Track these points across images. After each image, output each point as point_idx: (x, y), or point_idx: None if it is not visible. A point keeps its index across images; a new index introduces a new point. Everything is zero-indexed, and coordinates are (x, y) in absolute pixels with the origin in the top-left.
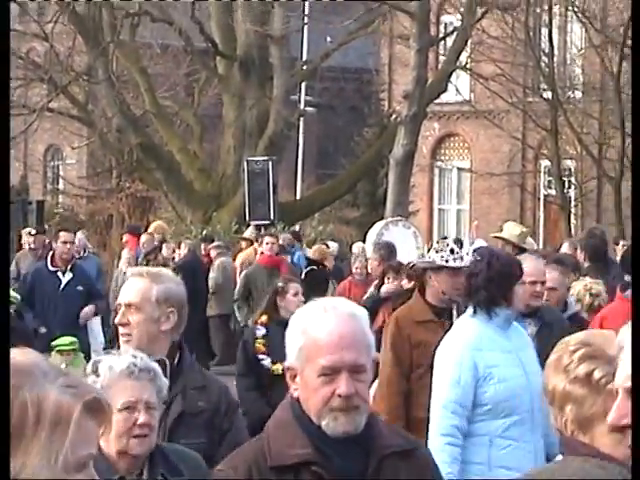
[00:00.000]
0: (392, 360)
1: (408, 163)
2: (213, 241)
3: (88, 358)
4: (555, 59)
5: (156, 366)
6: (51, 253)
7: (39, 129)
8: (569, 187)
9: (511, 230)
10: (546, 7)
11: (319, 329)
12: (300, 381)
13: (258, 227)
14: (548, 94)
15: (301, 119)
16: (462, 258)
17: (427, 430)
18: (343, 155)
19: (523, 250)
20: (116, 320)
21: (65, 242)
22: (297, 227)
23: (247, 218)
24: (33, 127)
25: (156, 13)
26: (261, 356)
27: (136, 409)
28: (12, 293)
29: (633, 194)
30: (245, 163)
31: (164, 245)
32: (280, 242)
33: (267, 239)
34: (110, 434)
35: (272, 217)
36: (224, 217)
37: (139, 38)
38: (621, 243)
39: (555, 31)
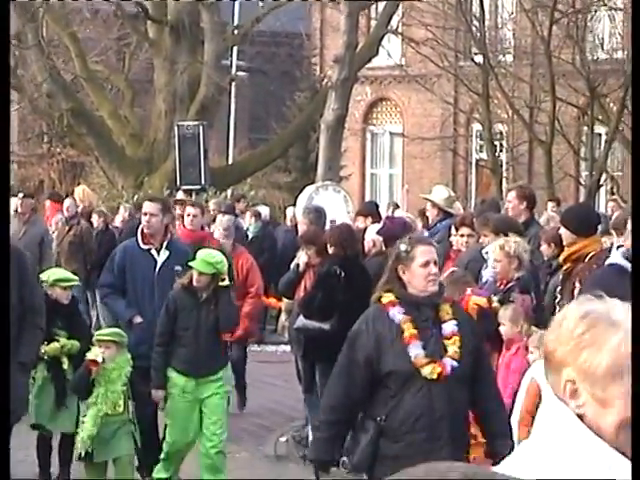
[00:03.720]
0: None
1: (339, 128)
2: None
3: None
4: (486, 23)
5: None
6: (141, 227)
7: None
8: (501, 151)
9: (439, 194)
10: None
11: None
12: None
13: (189, 192)
14: (479, 58)
15: (233, 84)
16: None
17: None
18: (275, 120)
19: (449, 214)
20: None
21: (145, 214)
22: (229, 192)
23: (178, 183)
24: None
25: None
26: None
27: None
28: (71, 276)
29: (633, 187)
30: (176, 128)
31: (93, 212)
32: (212, 209)
33: (189, 210)
34: None
35: (203, 182)
36: (155, 182)
37: (69, 3)
38: (550, 205)
39: None
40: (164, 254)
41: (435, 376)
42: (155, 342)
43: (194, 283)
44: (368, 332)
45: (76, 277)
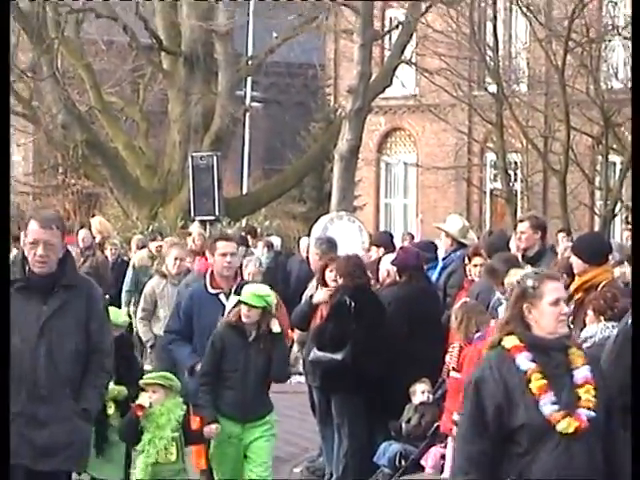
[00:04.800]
0: None
1: (352, 158)
2: (161, 236)
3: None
4: (500, 53)
5: None
6: (210, 270)
7: None
8: (515, 180)
9: (453, 224)
10: (490, 1)
11: None
12: None
13: (203, 222)
14: (493, 88)
15: (247, 114)
16: None
17: None
18: (289, 150)
19: (462, 245)
20: None
21: (224, 254)
22: (243, 222)
23: (192, 214)
24: None
25: (100, 9)
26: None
27: None
28: (123, 315)
29: (633, 190)
30: (190, 159)
31: (106, 242)
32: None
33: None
34: None
35: (217, 212)
36: (170, 213)
37: (84, 34)
38: (561, 236)
39: (500, 25)
40: (233, 300)
41: (572, 430)
42: (199, 382)
43: (243, 319)
44: (494, 379)
45: (127, 320)
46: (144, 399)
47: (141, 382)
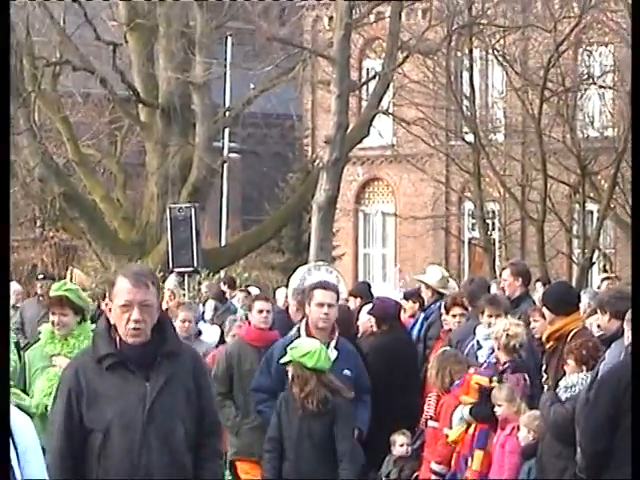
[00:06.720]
0: None
1: (330, 208)
2: None
3: None
4: (477, 102)
5: None
6: (305, 321)
7: None
8: (493, 229)
9: (433, 275)
10: (467, 51)
11: None
12: None
13: (181, 274)
14: (470, 137)
15: (225, 165)
16: None
17: None
18: (267, 201)
19: (442, 295)
20: None
21: (322, 304)
22: (222, 273)
23: (170, 265)
24: None
25: (77, 62)
26: None
27: None
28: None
29: (633, 200)
30: (168, 210)
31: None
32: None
33: (259, 305)
34: None
35: (195, 264)
36: (148, 265)
37: (60, 87)
38: (538, 285)
39: (476, 75)
40: (332, 353)
41: None
42: (264, 448)
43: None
44: None
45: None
46: None
47: None
